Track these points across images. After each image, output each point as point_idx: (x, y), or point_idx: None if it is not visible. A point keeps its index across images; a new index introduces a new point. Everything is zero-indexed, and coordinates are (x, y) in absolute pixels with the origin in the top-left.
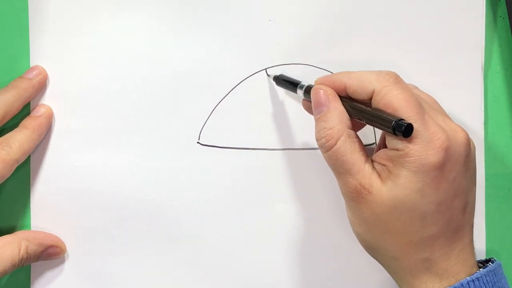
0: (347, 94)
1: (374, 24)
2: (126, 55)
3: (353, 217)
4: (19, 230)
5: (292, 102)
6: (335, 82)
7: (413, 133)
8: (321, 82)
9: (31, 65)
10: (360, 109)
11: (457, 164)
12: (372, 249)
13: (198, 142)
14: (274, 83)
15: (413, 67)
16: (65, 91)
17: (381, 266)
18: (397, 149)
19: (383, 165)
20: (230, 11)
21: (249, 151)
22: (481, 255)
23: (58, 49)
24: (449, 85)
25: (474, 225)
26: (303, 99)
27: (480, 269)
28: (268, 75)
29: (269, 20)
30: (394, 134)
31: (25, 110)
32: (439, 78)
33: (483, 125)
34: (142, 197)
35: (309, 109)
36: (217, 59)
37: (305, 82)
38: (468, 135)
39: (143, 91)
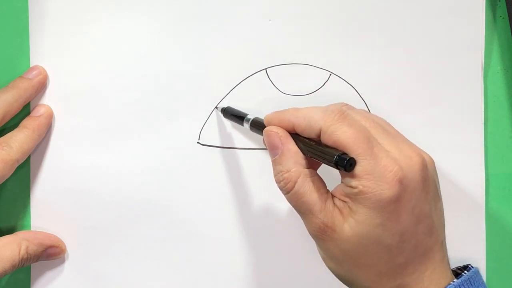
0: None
1: (374, 24)
2: (126, 55)
3: (323, 253)
4: (19, 230)
5: (292, 102)
6: (283, 122)
7: (363, 170)
8: (270, 120)
9: (31, 65)
10: (309, 146)
11: (414, 192)
12: (346, 282)
13: (198, 142)
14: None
15: (412, 67)
16: (65, 91)
17: None
18: (351, 186)
19: (343, 201)
20: (230, 11)
21: (249, 151)
22: (481, 255)
23: (58, 49)
24: (449, 85)
25: (474, 225)
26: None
27: (454, 280)
28: (216, 107)
29: (269, 20)
30: (337, 168)
31: (25, 110)
32: (439, 78)
33: (483, 125)
34: (142, 197)
35: None
36: (217, 59)
37: (252, 115)
38: (423, 158)
39: (143, 91)
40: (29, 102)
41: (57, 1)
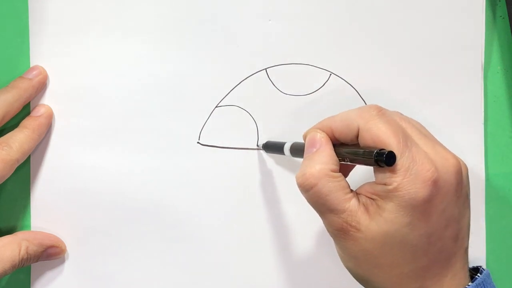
0: (335, 139)
1: (374, 24)
2: (126, 55)
3: (342, 252)
4: (19, 230)
5: (292, 102)
6: (322, 128)
7: (401, 166)
8: (308, 132)
9: (31, 65)
10: (347, 148)
11: (447, 194)
12: (364, 282)
13: (198, 142)
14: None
15: (413, 67)
16: (65, 91)
17: None
18: (385, 184)
19: (371, 199)
20: (230, 11)
21: (249, 151)
22: (481, 255)
23: (58, 49)
24: (449, 85)
25: (474, 225)
26: None
27: (469, 284)
28: (257, 145)
29: (269, 20)
30: (378, 165)
31: (25, 110)
32: (439, 78)
33: (483, 125)
34: (142, 197)
35: None
36: (217, 59)
37: (290, 141)
38: (459, 161)
39: (143, 91)
40: (29, 102)
41: (57, 1)
